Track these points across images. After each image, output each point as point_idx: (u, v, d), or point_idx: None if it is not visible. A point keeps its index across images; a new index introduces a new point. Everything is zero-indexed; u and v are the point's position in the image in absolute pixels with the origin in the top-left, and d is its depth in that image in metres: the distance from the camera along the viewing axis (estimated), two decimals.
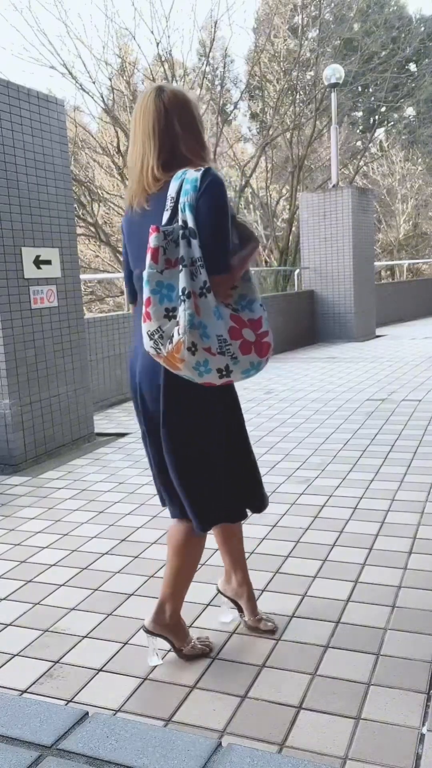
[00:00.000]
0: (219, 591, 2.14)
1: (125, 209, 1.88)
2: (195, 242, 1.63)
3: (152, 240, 1.62)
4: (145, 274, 1.64)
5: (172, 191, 1.68)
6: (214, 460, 1.83)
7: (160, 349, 1.65)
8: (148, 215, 1.76)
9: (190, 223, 1.63)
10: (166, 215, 1.67)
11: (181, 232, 1.63)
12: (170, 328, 1.64)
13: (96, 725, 1.41)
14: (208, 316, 1.65)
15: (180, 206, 1.65)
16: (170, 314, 1.64)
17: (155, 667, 1.89)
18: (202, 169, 1.66)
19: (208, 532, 1.87)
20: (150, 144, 1.74)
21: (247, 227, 1.80)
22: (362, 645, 1.94)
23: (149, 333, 1.65)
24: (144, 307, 1.65)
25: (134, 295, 1.90)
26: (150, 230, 1.62)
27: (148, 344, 1.67)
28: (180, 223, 1.64)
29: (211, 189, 1.64)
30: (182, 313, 1.61)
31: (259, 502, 1.97)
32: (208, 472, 1.82)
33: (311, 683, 1.77)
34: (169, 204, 1.67)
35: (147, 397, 1.81)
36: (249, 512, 1.99)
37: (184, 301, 1.61)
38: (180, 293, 1.63)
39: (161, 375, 1.75)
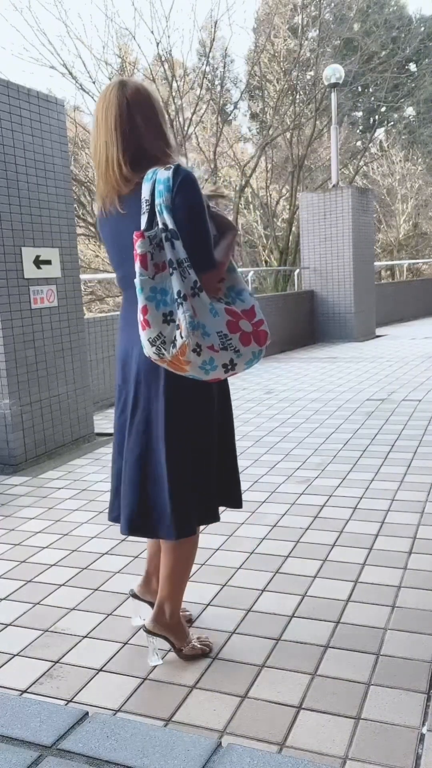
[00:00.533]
0: (136, 596, 2.09)
1: (98, 211, 1.87)
2: (178, 243, 1.63)
3: (138, 246, 1.62)
4: (137, 281, 1.63)
5: (145, 193, 1.67)
6: (210, 460, 1.84)
7: (163, 354, 1.64)
8: (124, 219, 1.75)
9: (170, 225, 1.62)
10: (143, 219, 1.66)
11: (163, 235, 1.63)
12: (171, 333, 1.63)
13: (96, 725, 1.41)
14: (205, 315, 1.65)
15: (157, 209, 1.64)
16: (168, 318, 1.64)
17: (155, 667, 1.89)
18: (172, 167, 1.65)
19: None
20: (113, 138, 1.73)
21: (222, 216, 1.81)
22: (362, 645, 1.94)
23: (150, 340, 1.64)
24: (141, 315, 1.64)
25: None
26: (134, 236, 1.62)
27: (149, 350, 1.66)
28: (160, 226, 1.64)
29: (185, 187, 1.63)
30: (182, 316, 1.61)
31: (235, 501, 1.98)
32: (201, 473, 1.82)
33: (311, 683, 1.77)
34: (144, 207, 1.66)
35: (144, 397, 1.81)
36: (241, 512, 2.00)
37: (181, 304, 1.62)
38: (176, 296, 1.63)
39: (162, 377, 1.75)
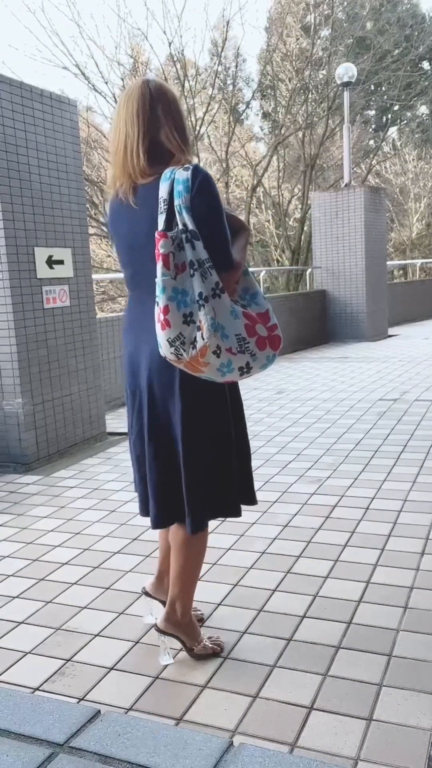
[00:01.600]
0: (149, 594, 2.10)
1: (108, 205, 1.88)
2: (198, 244, 1.63)
3: (161, 246, 1.62)
4: (159, 281, 1.63)
5: (163, 193, 1.67)
6: (227, 456, 1.84)
7: (182, 354, 1.64)
8: (136, 216, 1.76)
9: (191, 226, 1.63)
10: (161, 219, 1.67)
11: (183, 236, 1.64)
12: (191, 334, 1.63)
13: (108, 723, 1.42)
14: (225, 317, 1.65)
15: (176, 209, 1.65)
16: (188, 319, 1.64)
17: (167, 666, 1.89)
18: (190, 167, 1.66)
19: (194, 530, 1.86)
20: (134, 128, 1.75)
21: (235, 217, 1.82)
22: (374, 646, 1.93)
23: (170, 340, 1.64)
24: (162, 315, 1.64)
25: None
26: (157, 237, 1.63)
27: (167, 350, 1.66)
28: (180, 226, 1.64)
29: (204, 187, 1.65)
30: (204, 318, 1.61)
31: (249, 498, 1.97)
32: (220, 471, 1.83)
33: (323, 684, 1.77)
34: (162, 207, 1.67)
35: (158, 397, 1.81)
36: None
37: (203, 305, 1.62)
38: (197, 297, 1.63)
39: (176, 376, 1.75)
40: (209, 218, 1.65)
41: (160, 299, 1.64)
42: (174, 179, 1.66)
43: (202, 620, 2.10)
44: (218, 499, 1.86)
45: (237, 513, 1.92)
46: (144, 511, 1.94)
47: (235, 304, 1.71)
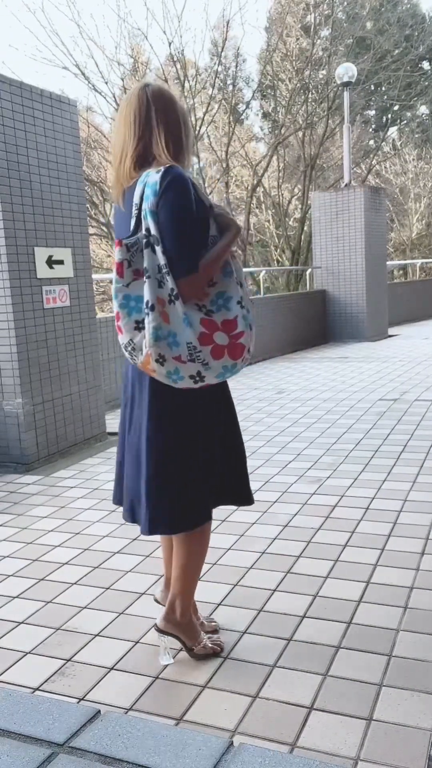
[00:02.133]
0: (158, 602, 2.11)
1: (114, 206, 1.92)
2: (159, 249, 1.63)
3: (116, 254, 1.64)
4: (113, 288, 1.66)
5: (136, 197, 1.68)
6: (193, 464, 1.80)
7: (134, 359, 1.69)
8: (125, 217, 1.77)
9: (153, 231, 1.63)
10: (132, 223, 1.68)
11: (144, 240, 1.64)
12: (140, 340, 1.66)
13: (108, 723, 1.42)
14: (177, 324, 1.65)
15: (142, 213, 1.65)
16: (140, 326, 1.66)
17: (167, 666, 1.89)
18: (162, 169, 1.64)
19: (197, 527, 1.85)
20: (130, 132, 1.75)
21: (225, 216, 1.77)
22: (374, 646, 1.93)
23: (123, 345, 1.69)
24: (116, 321, 1.69)
25: None
26: (115, 243, 1.65)
27: (125, 354, 1.71)
28: (143, 231, 1.64)
29: (170, 189, 1.63)
30: (147, 327, 1.62)
31: (244, 497, 1.93)
32: (184, 477, 1.79)
33: (323, 684, 1.77)
34: (134, 211, 1.67)
35: (136, 397, 1.83)
36: (244, 509, 1.99)
37: (148, 314, 1.62)
38: (144, 306, 1.64)
39: (147, 378, 1.76)
40: (170, 220, 1.63)
41: (114, 305, 1.67)
42: (146, 183, 1.66)
43: (216, 631, 2.04)
44: (187, 504, 1.80)
45: (204, 519, 1.86)
46: (115, 498, 1.99)
47: (200, 310, 1.68)
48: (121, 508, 1.97)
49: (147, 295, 1.63)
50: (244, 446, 1.96)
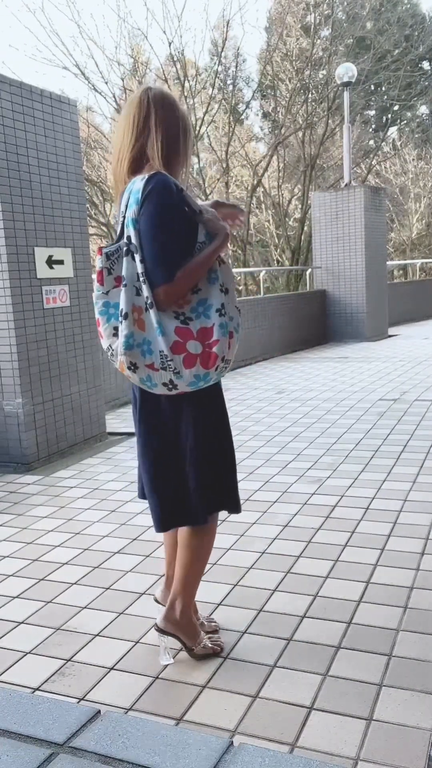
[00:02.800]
0: (158, 602, 2.11)
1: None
2: (137, 257, 1.65)
3: (97, 262, 1.67)
4: (93, 295, 1.70)
5: (122, 205, 1.70)
6: (182, 464, 1.83)
7: (114, 363, 1.73)
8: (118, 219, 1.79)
9: (134, 239, 1.65)
10: (117, 230, 1.71)
11: (125, 248, 1.66)
12: (117, 346, 1.69)
13: (108, 723, 1.42)
14: (151, 332, 1.67)
15: (125, 221, 1.67)
16: (117, 332, 1.70)
17: (167, 666, 1.89)
18: (147, 176, 1.65)
19: (207, 523, 1.87)
20: (127, 135, 1.75)
21: (214, 222, 1.75)
22: (374, 646, 1.93)
23: (105, 350, 1.74)
24: (97, 326, 1.73)
25: None
26: (96, 251, 1.68)
27: (108, 357, 1.75)
28: (125, 239, 1.66)
29: (151, 197, 1.63)
30: (120, 334, 1.66)
31: (232, 506, 1.91)
32: (164, 473, 1.83)
33: (323, 684, 1.77)
34: (120, 218, 1.70)
35: (137, 396, 1.86)
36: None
37: (122, 322, 1.65)
38: (119, 313, 1.67)
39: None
40: (148, 230, 1.63)
41: (95, 311, 1.71)
42: (131, 190, 1.67)
43: (216, 631, 2.04)
44: (179, 502, 1.84)
45: (236, 508, 1.91)
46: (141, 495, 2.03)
47: (177, 318, 1.68)
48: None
49: (122, 304, 1.66)
50: (228, 456, 1.90)
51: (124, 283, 1.65)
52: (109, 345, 1.71)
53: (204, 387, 1.74)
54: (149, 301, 1.65)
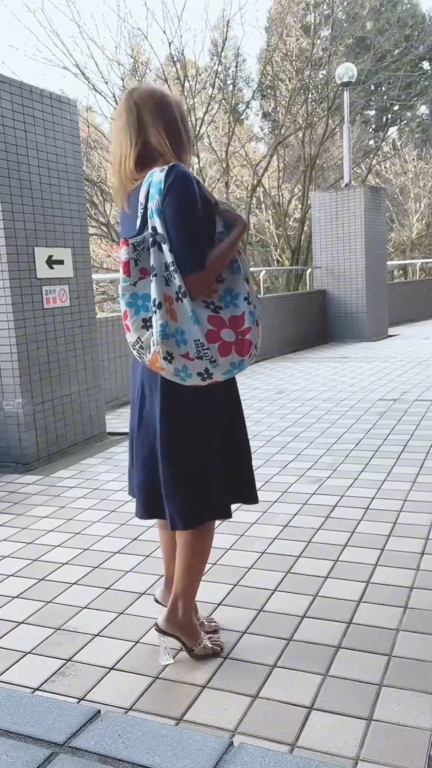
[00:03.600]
0: (159, 602, 2.11)
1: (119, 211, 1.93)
2: (166, 247, 1.64)
3: (122, 253, 1.66)
4: (119, 287, 1.68)
5: (141, 197, 1.69)
6: (207, 461, 1.82)
7: (143, 357, 1.70)
8: (131, 220, 1.77)
9: (160, 229, 1.64)
10: (138, 222, 1.69)
11: (150, 239, 1.65)
12: (148, 338, 1.67)
13: (108, 723, 1.42)
14: (185, 322, 1.66)
15: (148, 212, 1.66)
16: (148, 324, 1.68)
17: (167, 666, 1.89)
18: (167, 168, 1.66)
19: (198, 526, 1.85)
20: (126, 138, 1.77)
21: (231, 212, 1.77)
22: (374, 646, 1.93)
23: (131, 344, 1.71)
24: (123, 319, 1.70)
25: None
26: (120, 243, 1.67)
27: (133, 352, 1.72)
28: (150, 230, 1.65)
29: (175, 186, 1.63)
30: (155, 324, 1.63)
31: (249, 496, 1.94)
32: (199, 473, 1.81)
33: (323, 684, 1.77)
34: (140, 210, 1.69)
35: (147, 395, 1.83)
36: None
37: (156, 312, 1.63)
38: (152, 304, 1.65)
39: (158, 378, 1.76)
40: (175, 217, 1.63)
41: (122, 304, 1.69)
42: (151, 182, 1.67)
43: (216, 631, 2.04)
44: (199, 500, 1.82)
45: (225, 515, 1.90)
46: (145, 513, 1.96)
47: (208, 307, 1.69)
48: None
49: (154, 293, 1.64)
50: (249, 444, 1.96)
51: (153, 273, 1.64)
52: (138, 338, 1.68)
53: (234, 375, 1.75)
54: (182, 290, 1.64)
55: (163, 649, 1.91)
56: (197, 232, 1.66)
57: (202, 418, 1.80)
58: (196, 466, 1.81)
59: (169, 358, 1.65)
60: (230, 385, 1.88)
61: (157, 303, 1.63)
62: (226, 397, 1.87)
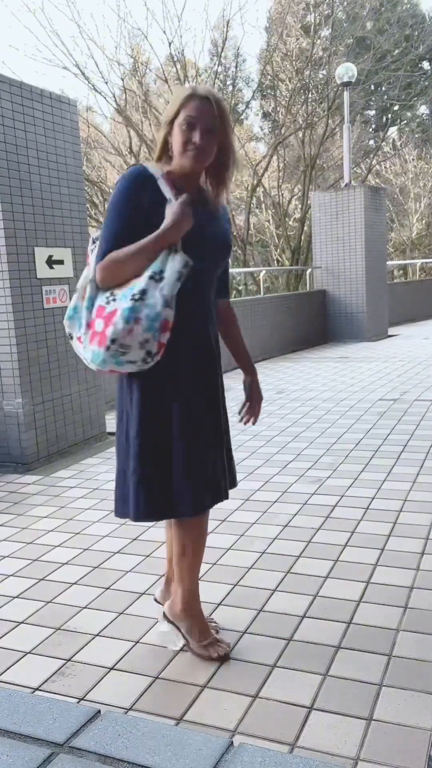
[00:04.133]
0: (158, 602, 2.12)
1: None
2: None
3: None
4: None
5: None
6: (168, 451, 1.81)
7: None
8: None
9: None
10: None
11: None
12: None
13: (108, 723, 1.42)
14: (84, 306, 1.79)
15: None
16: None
17: (167, 665, 1.89)
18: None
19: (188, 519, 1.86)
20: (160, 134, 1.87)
21: (170, 209, 1.70)
22: (374, 646, 1.93)
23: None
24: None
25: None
26: None
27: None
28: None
29: (116, 185, 1.78)
30: (70, 305, 1.83)
31: (231, 480, 1.96)
32: (154, 462, 1.81)
33: (323, 684, 1.77)
34: None
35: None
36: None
37: (74, 293, 1.81)
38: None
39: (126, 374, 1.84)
40: (106, 213, 1.79)
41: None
42: None
43: (216, 631, 2.04)
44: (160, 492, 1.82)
45: (184, 512, 1.84)
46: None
47: (107, 297, 1.73)
48: None
49: (81, 279, 1.80)
50: (225, 436, 1.95)
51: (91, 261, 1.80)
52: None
53: (118, 369, 1.73)
54: (91, 277, 1.77)
55: (173, 633, 1.94)
56: (113, 227, 1.74)
57: (160, 406, 1.80)
58: (164, 460, 1.83)
59: (70, 336, 1.82)
60: (207, 372, 1.86)
61: (77, 286, 1.81)
62: (207, 384, 1.86)
